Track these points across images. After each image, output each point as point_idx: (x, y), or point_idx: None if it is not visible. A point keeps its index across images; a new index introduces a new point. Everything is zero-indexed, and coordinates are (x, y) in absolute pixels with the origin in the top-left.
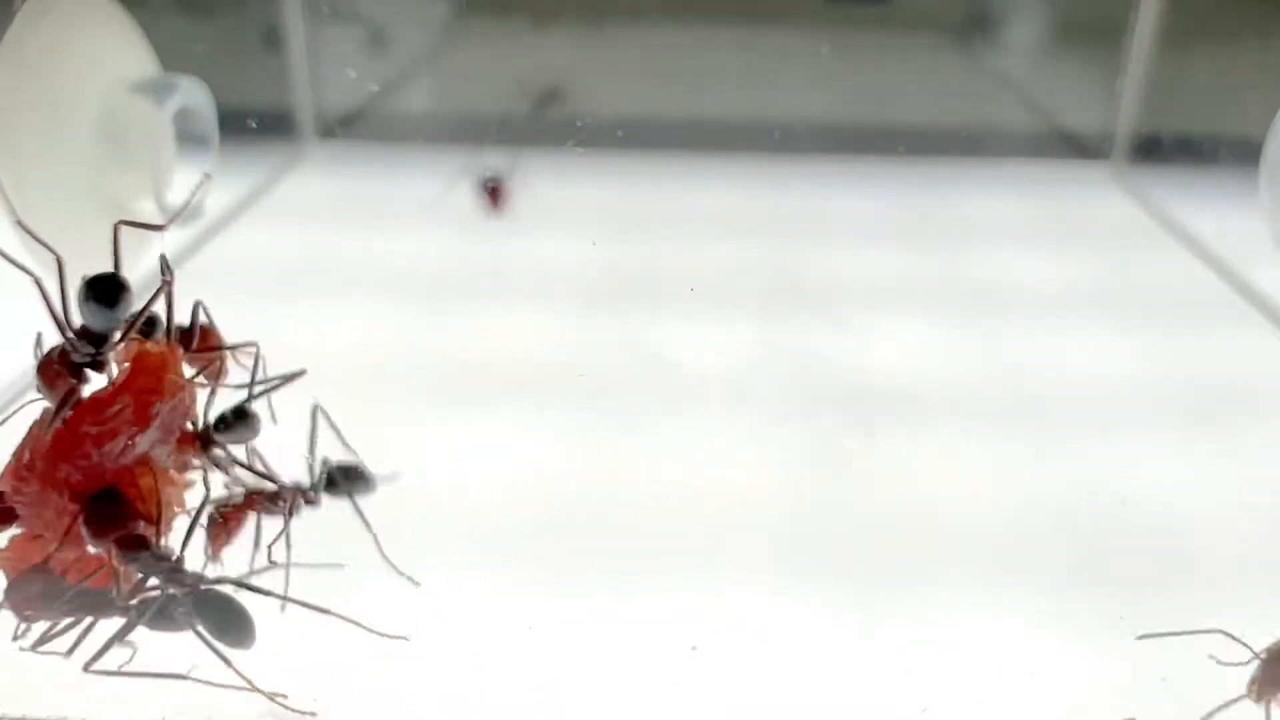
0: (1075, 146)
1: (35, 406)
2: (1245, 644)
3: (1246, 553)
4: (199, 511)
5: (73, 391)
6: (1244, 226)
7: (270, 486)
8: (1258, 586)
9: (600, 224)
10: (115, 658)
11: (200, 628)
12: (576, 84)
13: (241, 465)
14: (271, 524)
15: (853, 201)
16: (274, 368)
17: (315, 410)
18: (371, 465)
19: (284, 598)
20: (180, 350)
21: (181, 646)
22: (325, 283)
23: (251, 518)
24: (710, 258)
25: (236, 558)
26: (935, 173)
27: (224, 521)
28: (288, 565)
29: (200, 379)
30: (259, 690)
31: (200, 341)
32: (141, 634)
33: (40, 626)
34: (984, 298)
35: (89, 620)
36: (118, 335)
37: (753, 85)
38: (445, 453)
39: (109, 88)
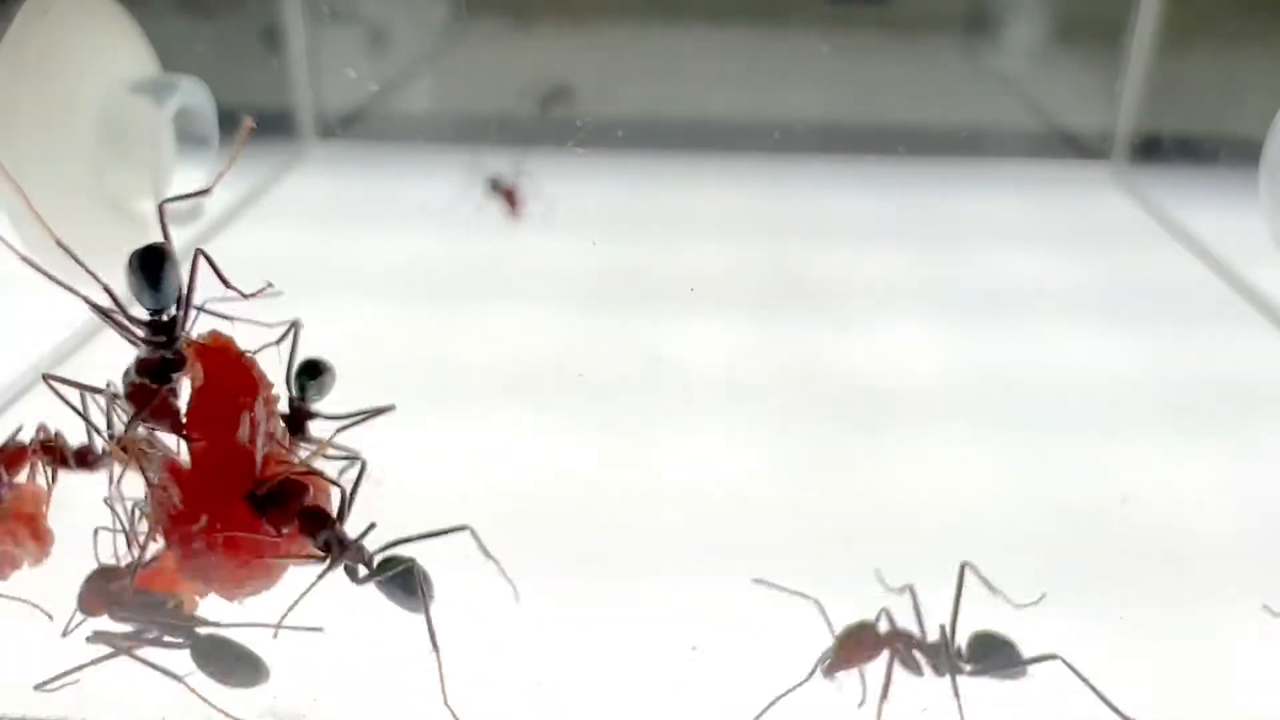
0: (1075, 146)
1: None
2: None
3: (1247, 552)
4: (355, 485)
5: (169, 393)
6: (1244, 226)
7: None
8: (1258, 586)
9: (600, 224)
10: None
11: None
12: (577, 84)
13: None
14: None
15: (853, 201)
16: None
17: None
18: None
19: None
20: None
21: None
22: (325, 283)
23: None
24: (710, 258)
25: None
26: (935, 173)
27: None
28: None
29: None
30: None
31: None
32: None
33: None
34: (984, 297)
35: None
36: (179, 321)
37: (753, 85)
38: (445, 452)
39: (109, 88)
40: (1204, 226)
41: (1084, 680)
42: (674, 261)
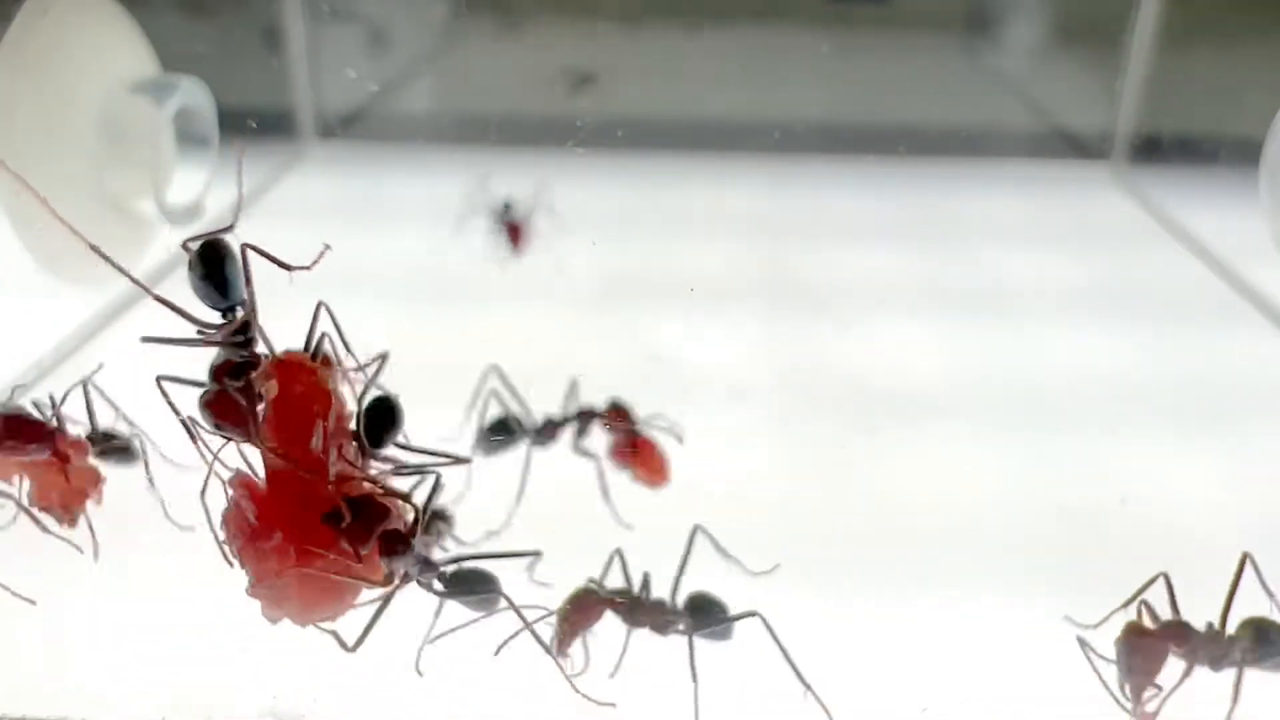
0: (1075, 146)
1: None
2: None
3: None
4: (427, 502)
5: (251, 392)
6: (1244, 226)
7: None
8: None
9: (600, 224)
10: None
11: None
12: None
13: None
14: None
15: (852, 201)
16: None
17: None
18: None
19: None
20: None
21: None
22: (325, 283)
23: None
24: (710, 258)
25: None
26: (935, 173)
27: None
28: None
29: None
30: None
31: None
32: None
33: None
34: (984, 297)
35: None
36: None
37: (753, 85)
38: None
39: (109, 88)
40: (1204, 226)
41: (776, 641)
42: (674, 261)
